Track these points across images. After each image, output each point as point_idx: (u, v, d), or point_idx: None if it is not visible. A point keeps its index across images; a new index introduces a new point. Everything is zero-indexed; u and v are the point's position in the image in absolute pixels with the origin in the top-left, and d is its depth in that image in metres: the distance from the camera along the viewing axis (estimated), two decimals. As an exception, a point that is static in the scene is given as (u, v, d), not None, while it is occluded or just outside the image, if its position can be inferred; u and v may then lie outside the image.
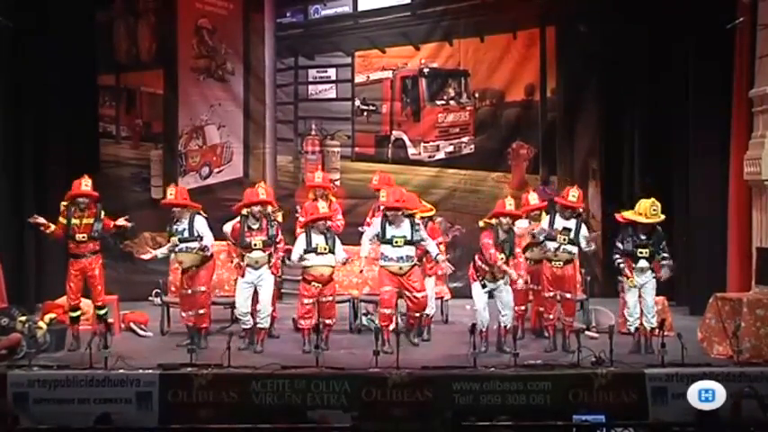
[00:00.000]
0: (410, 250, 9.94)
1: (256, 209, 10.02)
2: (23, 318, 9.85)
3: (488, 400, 8.68)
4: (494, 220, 9.84)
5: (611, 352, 8.99)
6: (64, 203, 10.08)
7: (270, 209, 10.31)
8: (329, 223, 10.16)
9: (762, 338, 9.42)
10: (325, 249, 9.93)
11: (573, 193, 10.17)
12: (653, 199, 9.83)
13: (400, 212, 9.92)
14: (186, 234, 10.05)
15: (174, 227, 10.09)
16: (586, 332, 10.41)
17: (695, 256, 12.14)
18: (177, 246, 10.07)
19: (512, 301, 9.95)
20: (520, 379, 8.75)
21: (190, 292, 10.16)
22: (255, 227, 10.00)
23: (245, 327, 10.12)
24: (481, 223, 10.03)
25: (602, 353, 9.01)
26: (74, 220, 9.99)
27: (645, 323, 9.84)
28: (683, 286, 12.30)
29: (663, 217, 9.79)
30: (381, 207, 10.23)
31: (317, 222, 10.01)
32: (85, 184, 10.08)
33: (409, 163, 14.13)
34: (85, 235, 10.00)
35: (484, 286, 9.85)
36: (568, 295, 10.11)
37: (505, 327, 9.87)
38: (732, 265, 11.47)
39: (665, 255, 9.78)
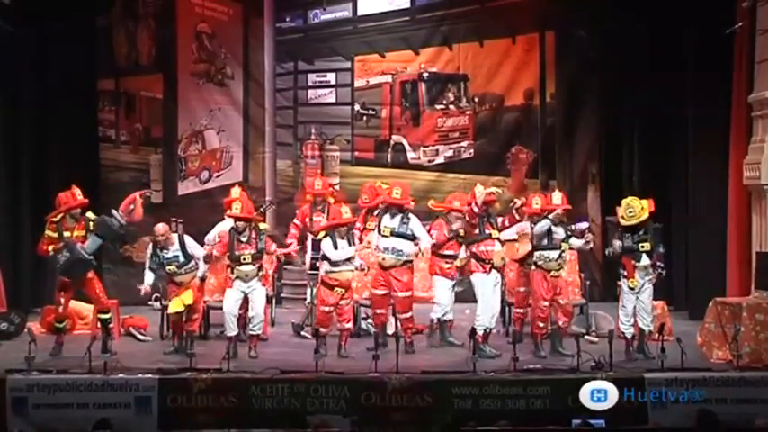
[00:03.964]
0: (397, 242, 10.07)
1: (241, 224, 9.91)
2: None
3: (488, 404, 8.65)
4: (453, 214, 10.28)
5: (610, 356, 8.98)
6: (54, 219, 9.90)
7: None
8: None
9: (761, 343, 9.42)
10: (355, 253, 10.00)
11: (557, 196, 10.17)
12: (626, 200, 9.89)
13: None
14: (182, 259, 9.98)
15: (163, 254, 9.95)
16: (586, 336, 10.40)
17: (694, 261, 12.13)
18: (179, 273, 10.01)
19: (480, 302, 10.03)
20: (519, 383, 8.73)
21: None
22: (244, 240, 9.89)
23: (229, 334, 9.91)
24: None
25: (601, 357, 9.00)
26: (65, 233, 9.87)
27: (643, 326, 9.85)
28: (682, 291, 12.31)
29: (642, 217, 9.72)
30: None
31: (340, 229, 10.01)
32: (79, 193, 10.00)
33: (409, 167, 14.14)
34: None
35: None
36: (563, 301, 10.06)
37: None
38: (731, 269, 11.46)
39: (661, 251, 9.82)
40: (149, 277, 10.01)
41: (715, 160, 11.89)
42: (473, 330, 9.31)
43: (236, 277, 9.91)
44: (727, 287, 11.32)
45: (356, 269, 10.08)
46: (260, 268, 9.99)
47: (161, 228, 10.01)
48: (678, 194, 12.60)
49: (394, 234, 10.08)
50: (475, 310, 10.11)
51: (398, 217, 10.16)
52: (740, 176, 11.27)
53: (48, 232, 9.94)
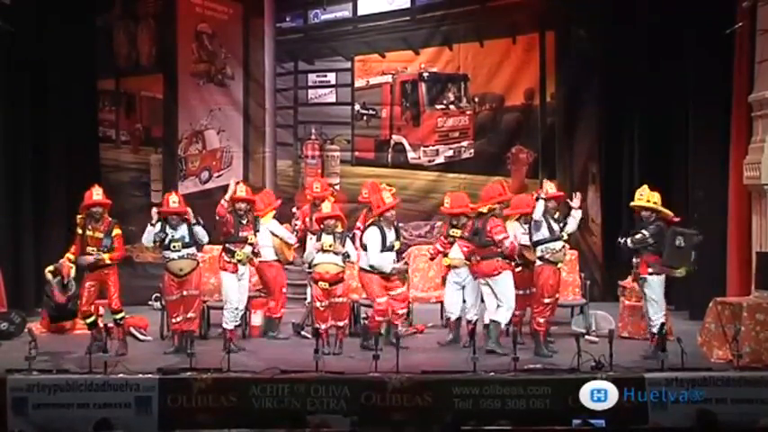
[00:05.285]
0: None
1: (242, 205, 10.16)
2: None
3: (488, 404, 8.66)
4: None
5: (610, 356, 8.98)
6: (80, 216, 9.97)
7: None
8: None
9: (761, 343, 9.42)
10: (330, 247, 10.06)
11: (550, 185, 10.24)
12: (644, 185, 9.90)
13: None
14: (187, 240, 10.02)
15: (171, 233, 9.99)
16: (586, 336, 10.40)
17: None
18: (179, 252, 10.02)
19: (475, 298, 10.14)
20: (520, 383, 8.73)
21: (182, 295, 10.07)
22: (245, 222, 10.19)
23: (230, 327, 10.07)
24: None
25: (601, 357, 9.00)
26: (88, 232, 9.91)
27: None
28: (682, 291, 12.29)
29: (648, 203, 9.72)
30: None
31: (326, 222, 10.17)
32: (96, 193, 9.99)
33: (409, 167, 14.15)
34: (95, 248, 9.90)
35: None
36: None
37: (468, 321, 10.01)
38: (732, 269, 11.46)
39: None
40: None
41: (715, 160, 11.89)
42: (473, 330, 9.30)
43: (238, 260, 10.14)
44: (727, 287, 11.32)
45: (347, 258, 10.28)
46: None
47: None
48: (678, 194, 12.58)
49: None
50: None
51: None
52: (740, 176, 11.27)
53: (78, 230, 10.01)
